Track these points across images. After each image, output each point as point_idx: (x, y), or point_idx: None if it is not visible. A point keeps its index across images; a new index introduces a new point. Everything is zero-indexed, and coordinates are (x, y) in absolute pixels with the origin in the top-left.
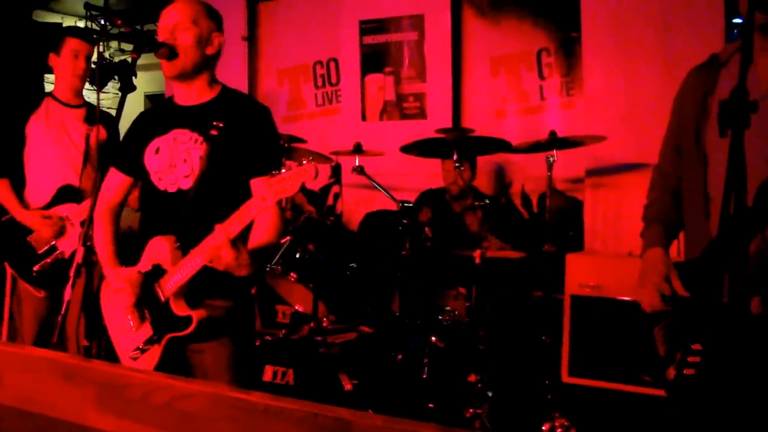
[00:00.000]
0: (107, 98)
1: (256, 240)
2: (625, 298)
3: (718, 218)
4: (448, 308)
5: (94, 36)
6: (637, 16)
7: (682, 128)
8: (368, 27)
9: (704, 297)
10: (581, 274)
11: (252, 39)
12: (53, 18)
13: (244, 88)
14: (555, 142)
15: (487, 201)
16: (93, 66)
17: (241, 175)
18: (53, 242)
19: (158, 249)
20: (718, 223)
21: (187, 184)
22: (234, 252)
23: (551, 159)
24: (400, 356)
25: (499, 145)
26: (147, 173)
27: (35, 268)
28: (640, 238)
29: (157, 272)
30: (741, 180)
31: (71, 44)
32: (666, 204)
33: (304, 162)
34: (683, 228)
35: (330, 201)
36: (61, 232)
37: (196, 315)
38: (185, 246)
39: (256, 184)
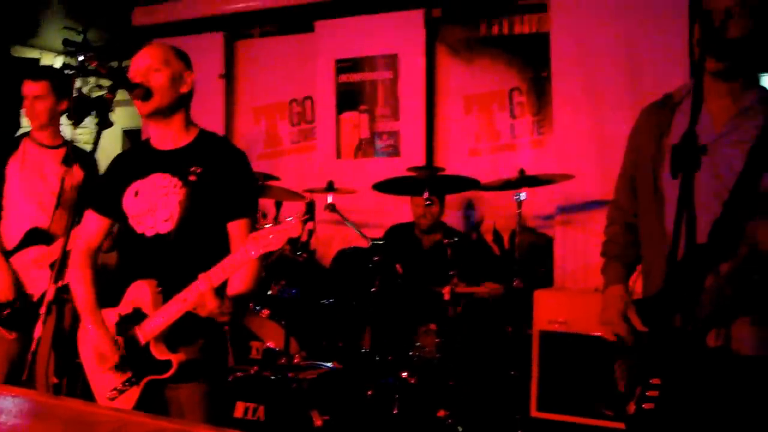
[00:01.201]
0: (85, 134)
1: (236, 288)
2: (593, 334)
3: (676, 255)
4: (418, 344)
5: (70, 72)
6: (604, 57)
7: (638, 167)
8: (344, 66)
9: (662, 332)
10: (549, 310)
11: (229, 76)
12: (32, 53)
13: (220, 126)
14: (524, 180)
15: (456, 238)
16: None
17: (219, 219)
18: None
19: (139, 293)
20: (676, 260)
21: (165, 228)
22: (218, 300)
23: (520, 197)
24: (370, 392)
25: (468, 184)
26: (125, 217)
27: (4, 313)
28: (601, 274)
29: (138, 316)
30: (692, 219)
31: (25, 88)
32: (624, 240)
33: (291, 218)
34: (640, 262)
35: (304, 237)
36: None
37: (176, 359)
38: (166, 290)
39: (236, 228)
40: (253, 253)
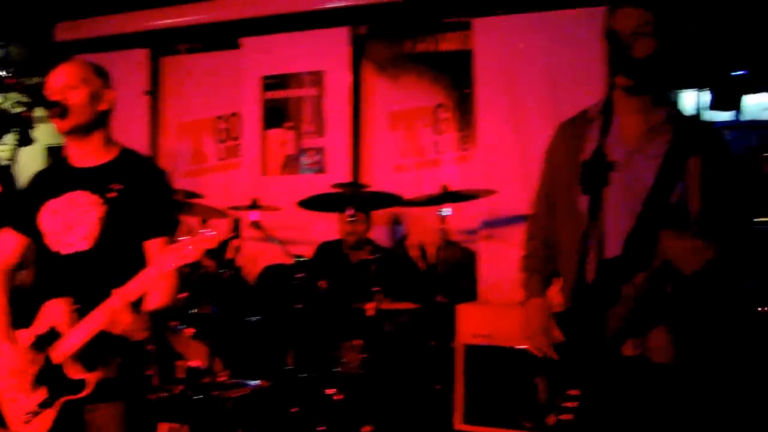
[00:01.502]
0: (5, 150)
1: (153, 303)
2: (516, 347)
3: (592, 268)
4: (343, 360)
5: None
6: (526, 74)
7: (555, 182)
8: (270, 82)
9: (580, 343)
10: (473, 324)
11: (155, 93)
12: None
13: (145, 142)
14: (448, 195)
15: (379, 254)
16: None
17: (137, 237)
18: None
19: (54, 312)
20: (592, 273)
21: (83, 246)
22: (132, 316)
23: (443, 212)
24: (295, 409)
25: (392, 200)
26: (41, 235)
27: None
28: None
29: (53, 335)
30: (601, 233)
31: None
32: (543, 254)
33: (205, 231)
34: (559, 275)
35: (230, 255)
36: None
37: (92, 378)
38: (83, 309)
39: (153, 246)
40: (169, 265)
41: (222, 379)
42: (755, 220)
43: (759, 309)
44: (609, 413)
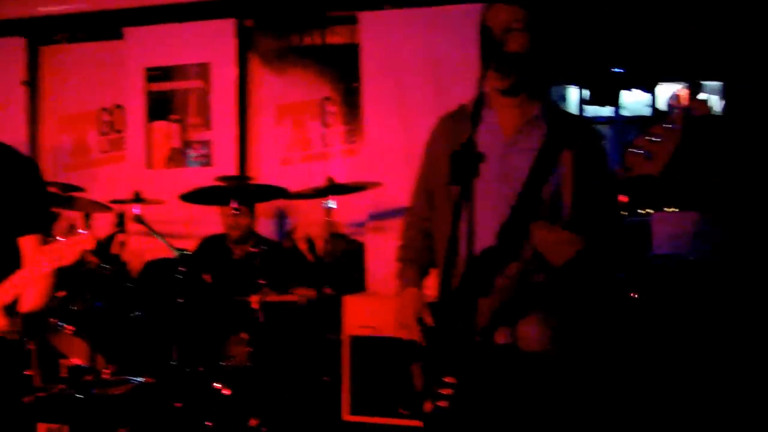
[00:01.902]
0: None
1: (28, 304)
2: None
3: (464, 259)
4: (230, 354)
5: None
6: (412, 68)
7: (433, 175)
8: (154, 74)
9: (454, 332)
10: (359, 315)
11: (33, 84)
12: None
13: (23, 135)
14: (333, 188)
15: (265, 247)
16: None
17: (8, 233)
18: None
19: None
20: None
21: None
22: (7, 319)
23: (328, 205)
24: (179, 405)
25: (276, 193)
26: None
27: None
28: (396, 278)
29: None
30: (473, 224)
31: None
32: (420, 244)
33: (82, 231)
34: (435, 266)
35: (115, 250)
36: None
37: None
38: None
39: (27, 243)
40: (44, 267)
41: (105, 376)
42: (624, 213)
43: (631, 294)
44: (482, 400)
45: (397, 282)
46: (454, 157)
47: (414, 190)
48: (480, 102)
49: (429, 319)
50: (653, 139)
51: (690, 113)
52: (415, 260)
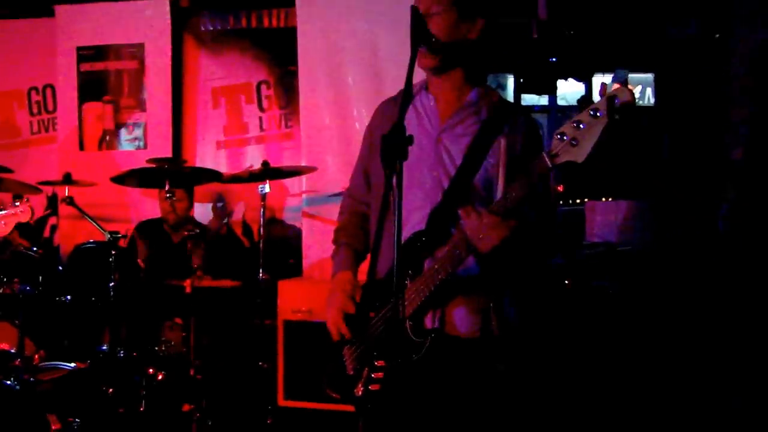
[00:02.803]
0: None
1: None
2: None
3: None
4: (164, 339)
5: None
6: (349, 53)
7: (371, 160)
8: (86, 54)
9: (383, 316)
10: (293, 300)
11: None
12: None
13: None
14: (269, 172)
15: (197, 230)
16: None
17: None
18: None
19: None
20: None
21: None
22: None
23: (263, 189)
24: (111, 390)
25: (210, 176)
26: None
27: None
28: (331, 260)
29: None
30: (399, 207)
31: None
32: (355, 228)
33: (18, 203)
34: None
35: (47, 233)
36: None
37: None
38: None
39: None
40: None
41: (36, 362)
42: (558, 202)
43: (566, 282)
44: (412, 383)
45: (332, 263)
46: (383, 139)
47: (352, 174)
48: (409, 83)
49: (355, 304)
50: (579, 126)
51: (615, 100)
52: (350, 244)
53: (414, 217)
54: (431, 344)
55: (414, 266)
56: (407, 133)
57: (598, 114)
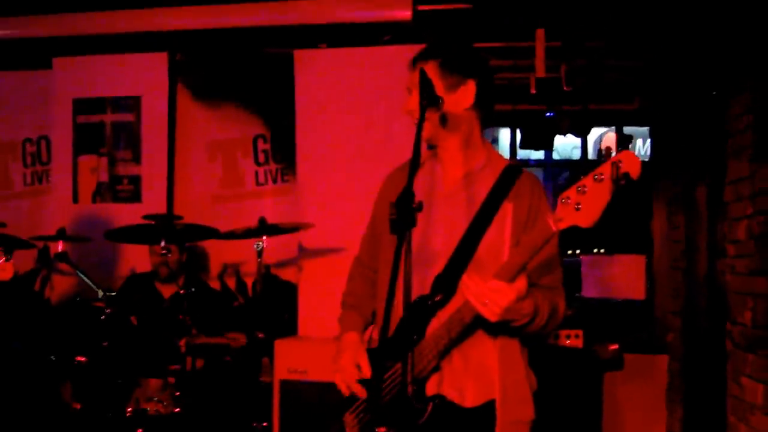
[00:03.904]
0: None
1: None
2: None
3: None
4: (156, 398)
5: None
6: (346, 108)
7: (381, 224)
8: (82, 106)
9: (387, 381)
10: (290, 359)
11: None
12: None
13: None
14: (265, 228)
15: (193, 289)
16: None
17: None
18: None
19: None
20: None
21: None
22: None
23: (259, 246)
24: None
25: (207, 232)
26: None
27: None
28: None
29: None
30: (408, 274)
31: None
32: (363, 293)
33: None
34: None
35: (37, 287)
36: None
37: None
38: None
39: None
40: None
41: None
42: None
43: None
44: None
45: (338, 327)
46: (392, 206)
47: (362, 240)
48: (418, 151)
49: (365, 367)
50: (583, 190)
51: (619, 167)
52: (357, 306)
53: (419, 283)
54: (433, 411)
55: (418, 331)
56: (416, 200)
57: (601, 179)
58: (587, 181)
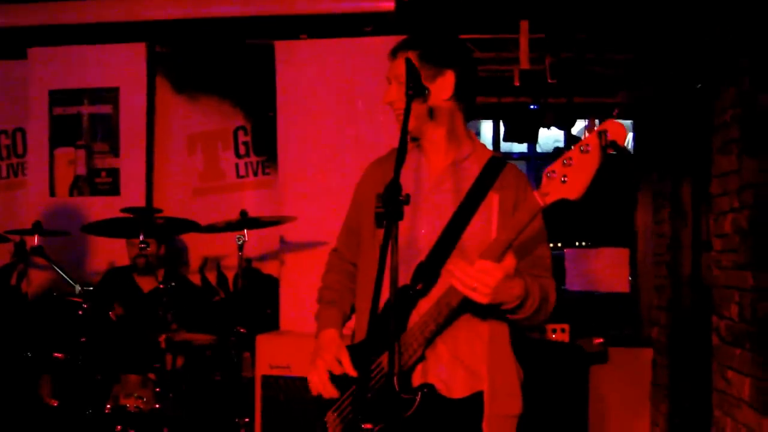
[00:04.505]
0: None
1: None
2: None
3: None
4: (136, 395)
5: None
6: (328, 100)
7: (361, 218)
8: (59, 97)
9: (371, 375)
10: (272, 355)
11: None
12: None
13: None
14: (247, 221)
15: (173, 283)
16: None
17: None
18: None
19: None
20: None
21: None
22: None
23: (241, 239)
24: None
25: (187, 226)
26: None
27: None
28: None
29: None
30: (395, 267)
31: None
32: (341, 287)
33: None
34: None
35: (14, 281)
36: None
37: None
38: None
39: None
40: None
41: None
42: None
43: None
44: None
45: (315, 323)
46: (379, 199)
47: (340, 231)
48: (404, 142)
49: (347, 363)
50: (569, 162)
51: (605, 135)
52: (335, 302)
53: (403, 273)
54: (421, 402)
55: (401, 321)
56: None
57: (587, 149)
58: (573, 153)
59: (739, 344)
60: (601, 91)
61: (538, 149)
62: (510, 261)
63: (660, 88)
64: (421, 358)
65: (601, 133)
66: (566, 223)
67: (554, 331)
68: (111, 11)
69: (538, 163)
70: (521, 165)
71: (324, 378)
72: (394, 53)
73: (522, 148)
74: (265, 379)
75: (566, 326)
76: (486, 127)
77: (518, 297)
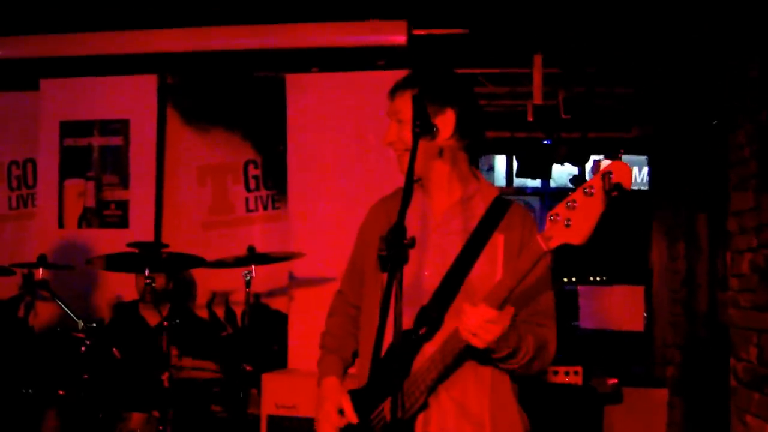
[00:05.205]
0: None
1: None
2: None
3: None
4: None
5: None
6: (338, 134)
7: (365, 259)
8: (70, 128)
9: (374, 421)
10: (278, 394)
11: None
12: None
13: None
14: (255, 257)
15: (178, 321)
16: None
17: None
18: None
19: None
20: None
21: None
22: None
23: (248, 275)
24: None
25: (194, 261)
26: None
27: None
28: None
29: None
30: (399, 311)
31: None
32: (343, 332)
33: None
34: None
35: (21, 313)
36: None
37: None
38: None
39: None
40: None
41: None
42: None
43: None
44: None
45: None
46: (382, 242)
47: (344, 272)
48: (410, 183)
49: (349, 410)
50: (573, 205)
51: (609, 177)
52: (337, 349)
53: (406, 317)
54: None
55: (403, 367)
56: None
57: (592, 192)
58: (577, 195)
59: (758, 388)
60: (615, 126)
61: (552, 184)
62: (511, 311)
63: (674, 123)
64: (424, 406)
65: (606, 175)
66: (580, 258)
67: (567, 374)
68: (122, 43)
69: (551, 198)
70: (534, 200)
71: (332, 428)
72: (392, 92)
73: (536, 183)
74: (271, 419)
75: (579, 368)
76: (500, 162)
77: (510, 347)
